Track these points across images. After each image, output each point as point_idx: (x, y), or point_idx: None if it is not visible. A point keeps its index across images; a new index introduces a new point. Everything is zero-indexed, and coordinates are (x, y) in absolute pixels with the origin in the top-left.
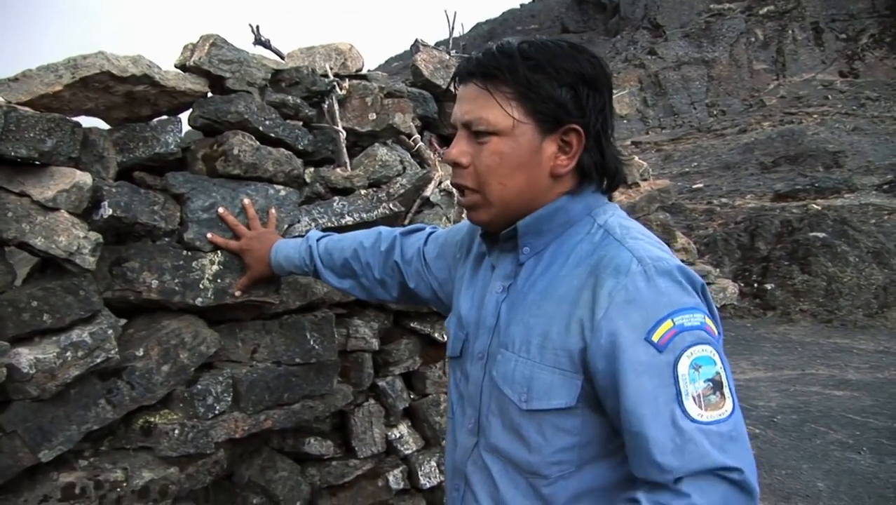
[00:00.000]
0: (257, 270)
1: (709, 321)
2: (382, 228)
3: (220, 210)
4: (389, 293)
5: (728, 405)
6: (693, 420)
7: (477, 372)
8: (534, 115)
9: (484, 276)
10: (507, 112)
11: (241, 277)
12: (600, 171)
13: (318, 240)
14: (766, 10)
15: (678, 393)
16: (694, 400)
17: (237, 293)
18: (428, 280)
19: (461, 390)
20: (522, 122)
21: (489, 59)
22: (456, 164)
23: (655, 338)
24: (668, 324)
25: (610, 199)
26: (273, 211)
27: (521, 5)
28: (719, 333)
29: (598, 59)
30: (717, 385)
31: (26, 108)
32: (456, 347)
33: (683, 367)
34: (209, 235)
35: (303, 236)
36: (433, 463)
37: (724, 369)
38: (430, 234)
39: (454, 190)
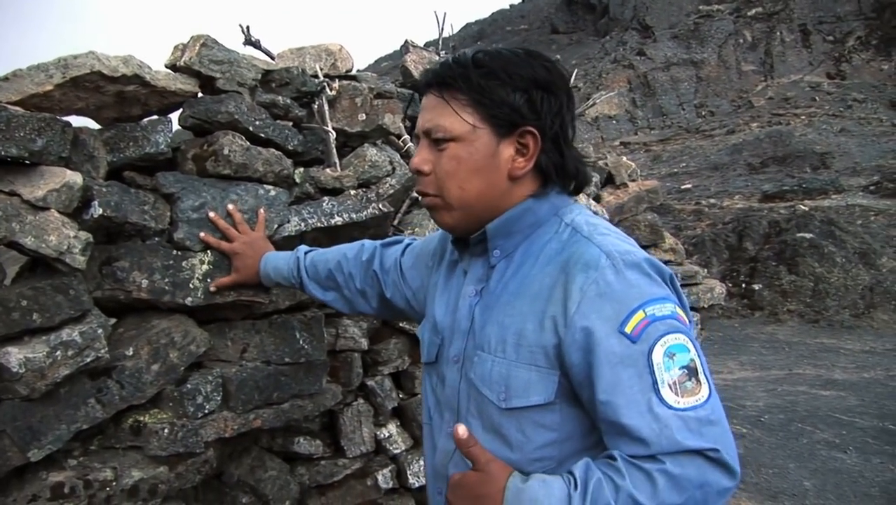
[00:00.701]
0: (244, 275)
1: (679, 310)
2: (365, 241)
3: (211, 214)
4: (370, 304)
5: (704, 390)
6: (670, 407)
7: (453, 376)
8: (489, 120)
9: (457, 282)
10: (463, 118)
11: (225, 277)
12: (559, 173)
13: (305, 253)
14: (754, 11)
15: (654, 382)
16: (670, 387)
17: (212, 288)
18: (402, 290)
19: (437, 395)
20: (478, 127)
21: (445, 69)
22: (419, 172)
23: (628, 329)
24: (639, 315)
25: (597, 199)
26: (262, 212)
27: (511, 6)
28: (690, 322)
29: (554, 64)
30: (692, 372)
31: (17, 108)
32: (431, 352)
33: (658, 355)
34: (201, 235)
35: (293, 236)
36: (422, 462)
37: (699, 356)
38: (408, 245)
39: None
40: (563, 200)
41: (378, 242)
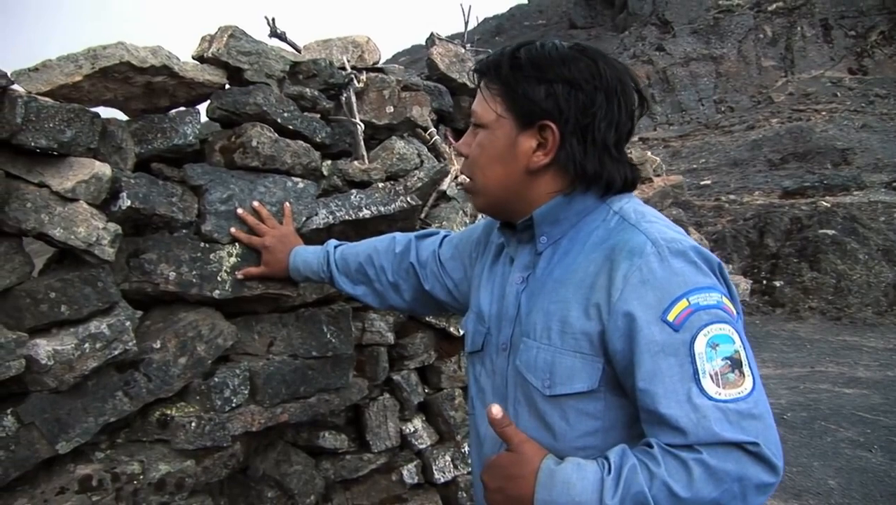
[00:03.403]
0: (273, 269)
1: (726, 301)
2: (397, 234)
3: (239, 211)
4: (402, 297)
5: (748, 383)
6: (710, 398)
7: (502, 363)
8: (512, 111)
9: (503, 270)
10: (491, 107)
11: (254, 267)
12: (578, 171)
13: (335, 247)
14: (774, 6)
15: (695, 371)
16: (711, 378)
17: (239, 276)
18: (444, 281)
19: (482, 384)
20: (503, 117)
21: (487, 59)
22: (460, 154)
23: (671, 317)
24: (683, 303)
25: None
26: (287, 205)
27: (529, 1)
28: (739, 314)
29: (595, 62)
30: (735, 363)
31: (46, 99)
32: (477, 341)
33: (700, 345)
34: (232, 230)
35: (321, 229)
36: (447, 457)
37: (744, 348)
38: (445, 236)
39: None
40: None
41: (412, 235)
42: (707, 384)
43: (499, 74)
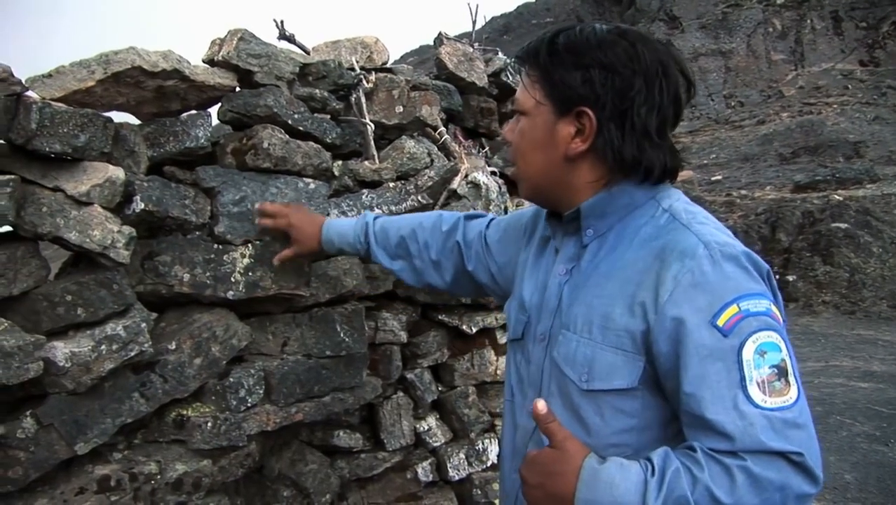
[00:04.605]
0: (305, 246)
1: (774, 308)
2: (443, 211)
3: (257, 205)
4: (442, 276)
5: (793, 392)
6: (756, 405)
7: (538, 353)
8: (550, 98)
9: (547, 260)
10: (531, 94)
11: (287, 250)
12: (616, 157)
13: (374, 219)
14: None
15: (742, 378)
16: (758, 386)
17: (276, 262)
18: (487, 263)
19: (521, 373)
20: (541, 104)
21: (527, 45)
22: (506, 141)
23: (721, 322)
24: (733, 308)
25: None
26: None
27: None
28: (784, 321)
29: (634, 46)
30: (782, 371)
31: (60, 104)
32: (518, 329)
33: (748, 352)
34: (257, 220)
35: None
36: (462, 455)
37: (790, 356)
38: (492, 219)
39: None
40: (658, 186)
41: (460, 214)
42: (754, 391)
43: (537, 61)
